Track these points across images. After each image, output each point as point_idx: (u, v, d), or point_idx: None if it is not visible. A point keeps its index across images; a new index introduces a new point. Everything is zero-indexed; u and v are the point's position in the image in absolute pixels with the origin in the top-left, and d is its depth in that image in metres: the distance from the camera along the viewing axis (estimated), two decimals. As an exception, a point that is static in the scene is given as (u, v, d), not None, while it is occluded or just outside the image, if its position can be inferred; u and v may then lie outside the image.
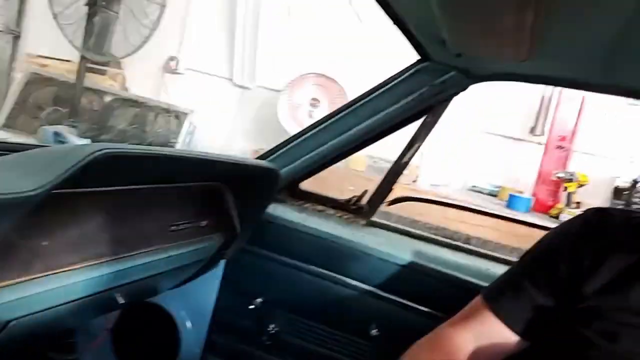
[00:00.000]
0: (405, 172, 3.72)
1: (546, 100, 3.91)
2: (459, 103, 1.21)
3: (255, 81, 4.67)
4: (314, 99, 3.86)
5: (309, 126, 1.25)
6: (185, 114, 4.45)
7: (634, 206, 3.37)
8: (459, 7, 0.79)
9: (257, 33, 4.52)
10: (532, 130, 3.98)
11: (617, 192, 3.61)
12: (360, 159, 3.66)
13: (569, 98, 3.68)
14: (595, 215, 0.80)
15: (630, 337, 0.66)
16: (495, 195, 3.89)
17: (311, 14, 4.42)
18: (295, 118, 3.83)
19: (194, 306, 1.34)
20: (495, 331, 0.79)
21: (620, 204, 3.48)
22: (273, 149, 1.27)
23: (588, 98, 3.66)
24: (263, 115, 4.51)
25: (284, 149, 1.26)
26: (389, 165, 1.35)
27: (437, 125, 1.24)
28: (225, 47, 4.66)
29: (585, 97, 3.69)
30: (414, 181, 3.56)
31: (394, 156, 1.32)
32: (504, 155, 4.13)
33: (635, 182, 3.52)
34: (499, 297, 0.82)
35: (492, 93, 3.99)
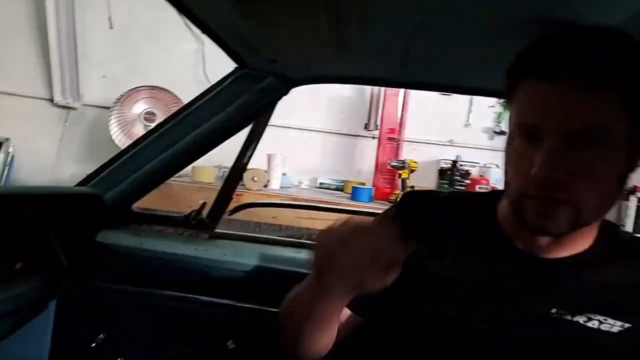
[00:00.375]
0: (255, 178, 3.67)
1: (375, 98, 4.26)
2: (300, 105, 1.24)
3: (81, 99, 4.27)
4: (148, 113, 3.65)
5: (132, 144, 1.18)
6: (-1, 143, 3.89)
7: (456, 183, 3.86)
8: (260, 15, 0.82)
9: (76, 46, 4.12)
10: (366, 127, 4.30)
11: (442, 172, 4.08)
12: (208, 170, 3.56)
13: (393, 94, 4.05)
14: (405, 199, 0.89)
15: (445, 303, 0.73)
16: (341, 190, 4.12)
17: (134, 23, 4.19)
18: (131, 135, 3.58)
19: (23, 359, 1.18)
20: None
21: (445, 182, 3.96)
22: (94, 172, 1.17)
23: (411, 92, 4.04)
24: (94, 136, 4.14)
25: (107, 170, 1.17)
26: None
27: (288, 129, 1.26)
28: (40, 64, 4.16)
29: (407, 91, 4.08)
30: (265, 186, 3.60)
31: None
32: (346, 152, 4.40)
33: (454, 162, 4.04)
34: None
35: (332, 94, 4.24)
